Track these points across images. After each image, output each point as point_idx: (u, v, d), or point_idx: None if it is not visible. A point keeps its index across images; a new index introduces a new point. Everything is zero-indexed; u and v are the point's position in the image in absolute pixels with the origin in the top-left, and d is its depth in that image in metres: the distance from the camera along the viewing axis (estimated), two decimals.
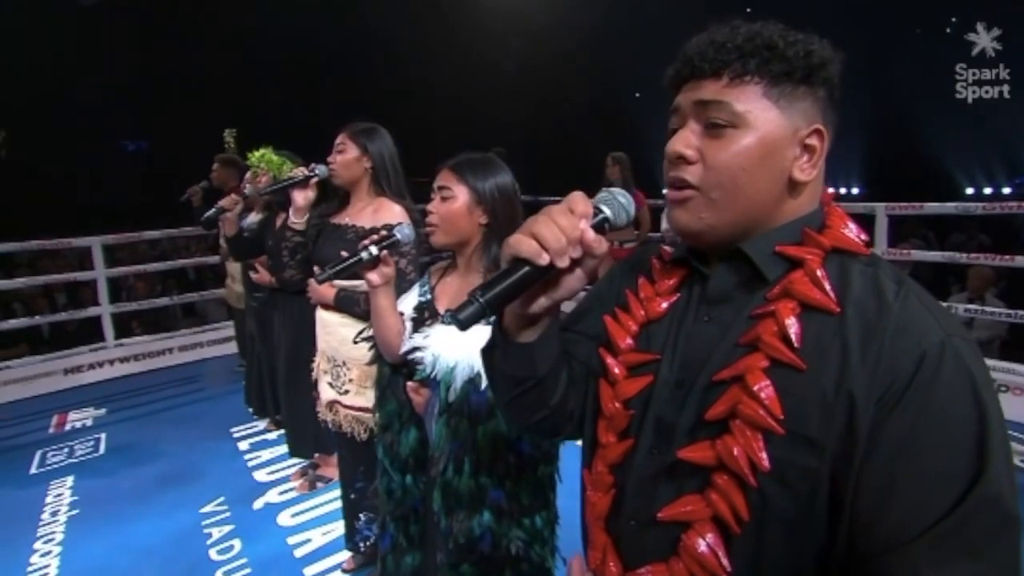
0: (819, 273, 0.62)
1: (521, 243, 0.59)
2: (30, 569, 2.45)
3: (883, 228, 3.73)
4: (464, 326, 0.58)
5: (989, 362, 3.55)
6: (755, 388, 0.60)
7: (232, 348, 4.67)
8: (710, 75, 0.65)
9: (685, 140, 0.66)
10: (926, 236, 6.40)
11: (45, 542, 2.64)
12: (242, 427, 3.67)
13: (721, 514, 0.61)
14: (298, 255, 2.04)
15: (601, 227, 0.64)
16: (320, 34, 9.77)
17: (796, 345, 0.60)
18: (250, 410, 3.64)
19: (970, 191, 9.41)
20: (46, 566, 2.46)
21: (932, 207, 3.81)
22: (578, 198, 0.62)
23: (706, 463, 0.62)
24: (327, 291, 1.88)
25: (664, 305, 0.73)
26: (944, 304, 3.64)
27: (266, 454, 3.34)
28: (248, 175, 2.75)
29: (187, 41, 9.36)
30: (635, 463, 0.69)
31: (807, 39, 0.65)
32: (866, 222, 4.16)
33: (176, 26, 9.23)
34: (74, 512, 2.87)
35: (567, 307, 0.75)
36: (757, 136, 0.63)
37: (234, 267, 3.69)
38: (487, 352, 0.75)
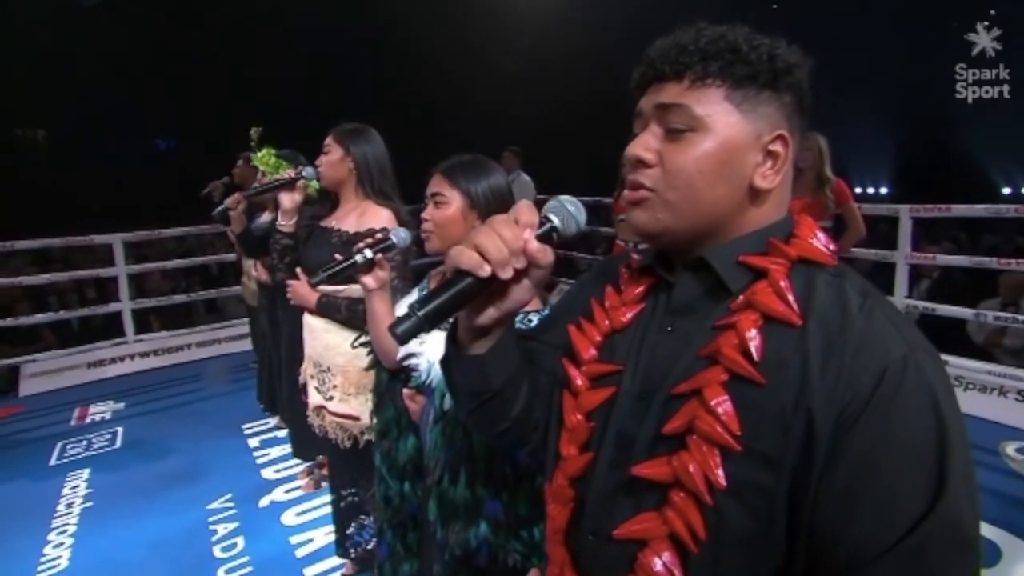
0: (783, 284, 0.60)
1: (461, 255, 0.59)
2: (43, 560, 2.51)
3: (906, 230, 3.60)
4: (402, 340, 0.57)
5: (1021, 372, 3.40)
6: (712, 403, 0.58)
7: (249, 344, 4.74)
8: (672, 77, 0.64)
9: (644, 143, 0.65)
10: (957, 239, 6.16)
11: (59, 533, 2.70)
12: (253, 424, 3.72)
13: (677, 532, 0.60)
14: (287, 257, 2.02)
15: (549, 237, 0.64)
16: (346, 35, 9.88)
17: (756, 358, 0.59)
18: (261, 407, 3.69)
19: (1007, 191, 9.05)
20: (58, 558, 2.52)
21: (960, 209, 3.65)
22: (523, 207, 0.62)
23: (662, 480, 0.61)
24: (310, 295, 1.86)
25: (629, 315, 0.71)
26: (974, 311, 3.58)
27: (275, 451, 3.37)
28: (258, 174, 2.77)
29: (219, 40, 9.55)
30: (595, 477, 0.68)
31: (773, 43, 0.64)
32: (889, 224, 4.03)
33: (208, 25, 9.42)
34: (88, 505, 2.94)
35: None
36: (717, 140, 0.62)
37: (249, 264, 3.74)
38: (444, 364, 0.74)
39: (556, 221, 0.64)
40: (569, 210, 0.65)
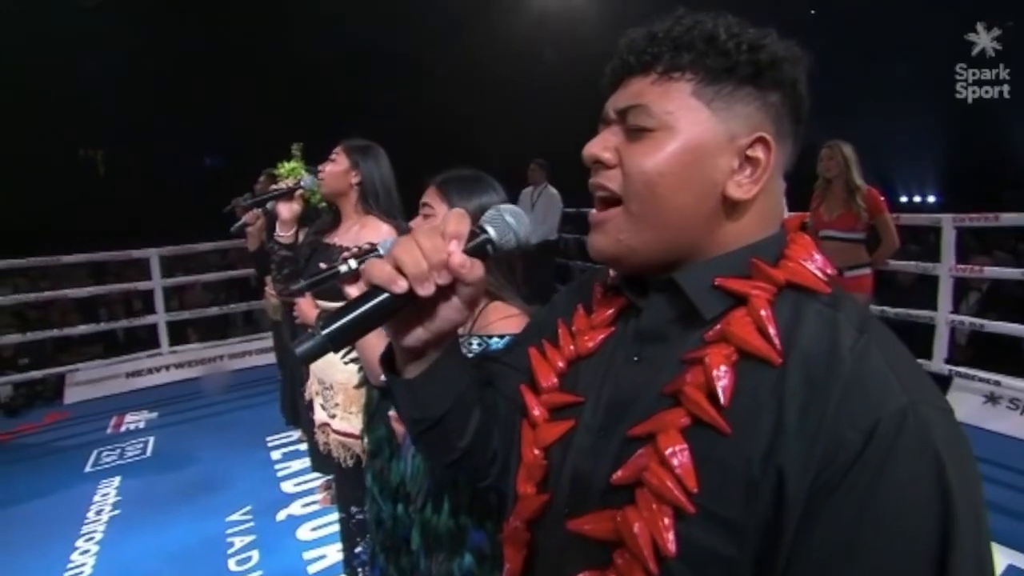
0: (763, 313, 0.52)
1: (374, 267, 0.52)
2: (70, 566, 2.58)
3: (950, 241, 3.39)
4: (303, 361, 0.52)
5: None
6: (667, 452, 0.51)
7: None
8: (639, 71, 0.57)
9: (603, 141, 0.59)
10: (1015, 248, 5.75)
11: (87, 540, 2.78)
12: (277, 436, 3.76)
13: None
14: (285, 269, 2.01)
15: (482, 250, 0.57)
16: (389, 57, 10.10)
17: (723, 402, 0.50)
18: (284, 420, 3.74)
19: None
20: (83, 564, 2.59)
21: (1009, 218, 3.41)
22: (452, 216, 0.55)
23: (604, 538, 0.54)
24: (310, 311, 1.86)
25: (596, 340, 0.64)
26: None
27: (296, 464, 3.41)
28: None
29: (265, 58, 9.91)
30: (547, 522, 0.61)
31: (759, 33, 0.56)
32: (937, 235, 3.81)
33: (255, 44, 9.79)
34: (116, 512, 3.02)
35: None
36: (681, 139, 0.54)
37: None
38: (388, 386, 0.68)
39: (492, 233, 0.57)
40: (508, 221, 0.58)
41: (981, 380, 3.43)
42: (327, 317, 0.52)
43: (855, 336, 0.49)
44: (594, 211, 0.60)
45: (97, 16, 7.96)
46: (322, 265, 1.35)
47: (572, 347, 0.66)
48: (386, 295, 0.52)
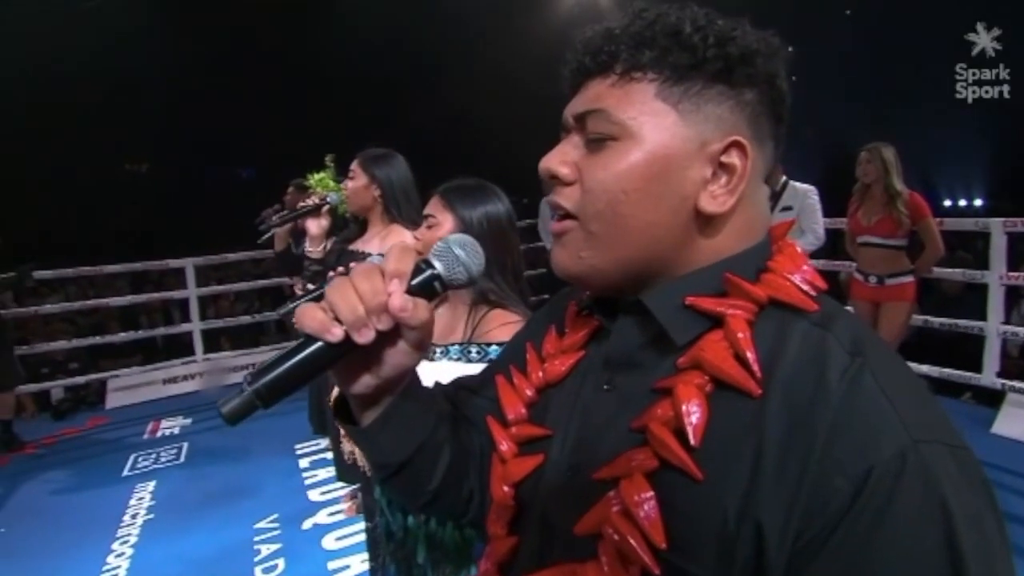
0: (740, 336, 0.46)
1: (305, 314, 0.47)
2: (105, 568, 2.65)
3: (1001, 248, 3.21)
4: (230, 421, 0.46)
5: None
6: (631, 501, 0.45)
7: None
8: (597, 73, 0.51)
9: (561, 154, 0.53)
10: None
11: (122, 543, 2.85)
12: (305, 444, 3.80)
13: None
14: (317, 283, 2.06)
15: (429, 287, 0.51)
16: (417, 67, 10.25)
17: (694, 442, 0.44)
18: (312, 428, 3.77)
19: None
20: (117, 568, 2.66)
21: None
22: (394, 252, 0.50)
23: None
24: None
25: (565, 366, 0.59)
26: None
27: (323, 473, 3.43)
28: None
29: (299, 71, 10.19)
30: (518, 567, 0.56)
31: (729, 25, 0.49)
32: (985, 242, 3.62)
33: (289, 57, 10.07)
34: (150, 517, 3.09)
35: None
36: (645, 149, 0.48)
37: (298, 287, 3.88)
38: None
39: (439, 267, 0.51)
40: (456, 254, 0.52)
41: None
42: (256, 371, 0.47)
43: (846, 360, 0.43)
44: (552, 223, 0.55)
45: (141, 35, 8.31)
46: (309, 286, 1.35)
47: (540, 373, 0.60)
48: (321, 344, 0.47)
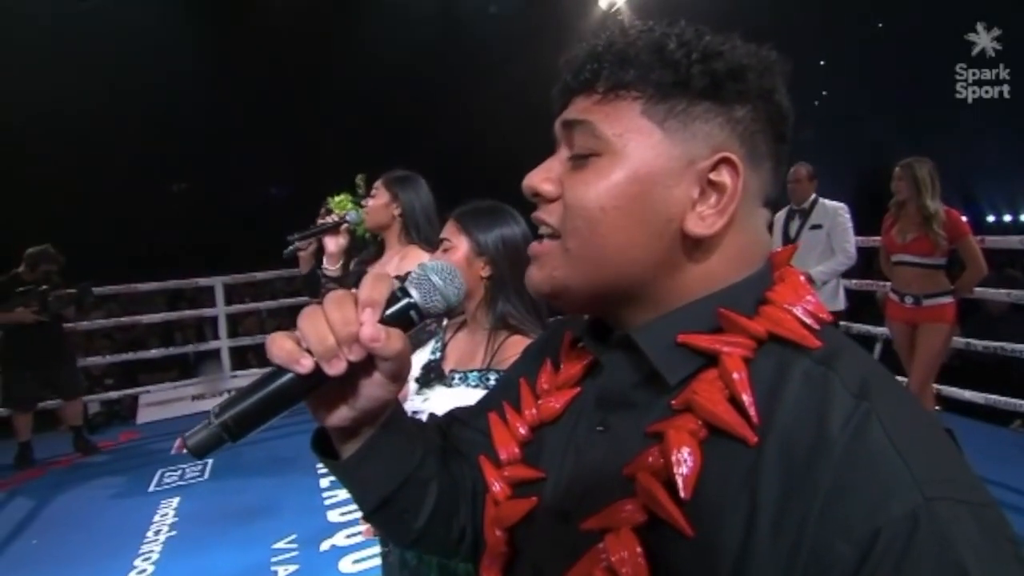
0: (736, 377, 0.42)
1: (274, 343, 0.45)
2: None
3: None
4: (197, 455, 0.45)
5: None
6: (615, 559, 0.42)
7: None
8: (580, 91, 0.50)
9: (546, 171, 0.51)
10: None
11: (144, 560, 2.88)
12: None
13: None
14: None
15: (405, 316, 0.49)
16: (446, 85, 10.44)
17: (684, 495, 0.41)
18: None
19: None
20: None
21: None
22: (369, 280, 0.48)
23: None
24: None
25: (560, 403, 0.56)
26: None
27: (343, 493, 3.41)
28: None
29: (330, 91, 10.48)
30: None
31: (716, 40, 0.47)
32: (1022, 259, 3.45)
33: (321, 77, 10.38)
34: (172, 534, 3.12)
35: None
36: (628, 167, 0.47)
37: None
38: None
39: (415, 296, 0.50)
40: (434, 282, 0.51)
41: None
42: (224, 403, 0.45)
43: (851, 405, 0.39)
44: (534, 243, 0.53)
45: (173, 55, 8.66)
46: None
47: (534, 411, 0.58)
48: (290, 375, 0.45)
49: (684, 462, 0.41)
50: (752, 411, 0.41)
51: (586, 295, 0.50)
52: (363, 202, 2.03)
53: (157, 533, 3.12)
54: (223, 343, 5.16)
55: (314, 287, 2.97)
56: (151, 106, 9.27)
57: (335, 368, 0.45)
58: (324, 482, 3.58)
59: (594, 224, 0.47)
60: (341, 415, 0.50)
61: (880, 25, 7.46)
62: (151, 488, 3.70)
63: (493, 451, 0.59)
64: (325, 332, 0.45)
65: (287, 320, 6.84)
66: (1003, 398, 3.42)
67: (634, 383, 0.49)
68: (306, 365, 0.45)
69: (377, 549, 2.76)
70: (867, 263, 3.86)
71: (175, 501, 3.48)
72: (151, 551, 2.95)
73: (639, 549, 0.42)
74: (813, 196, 3.47)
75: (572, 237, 0.49)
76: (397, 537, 0.61)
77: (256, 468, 3.81)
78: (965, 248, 2.87)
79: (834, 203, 3.21)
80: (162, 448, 4.36)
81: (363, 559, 2.77)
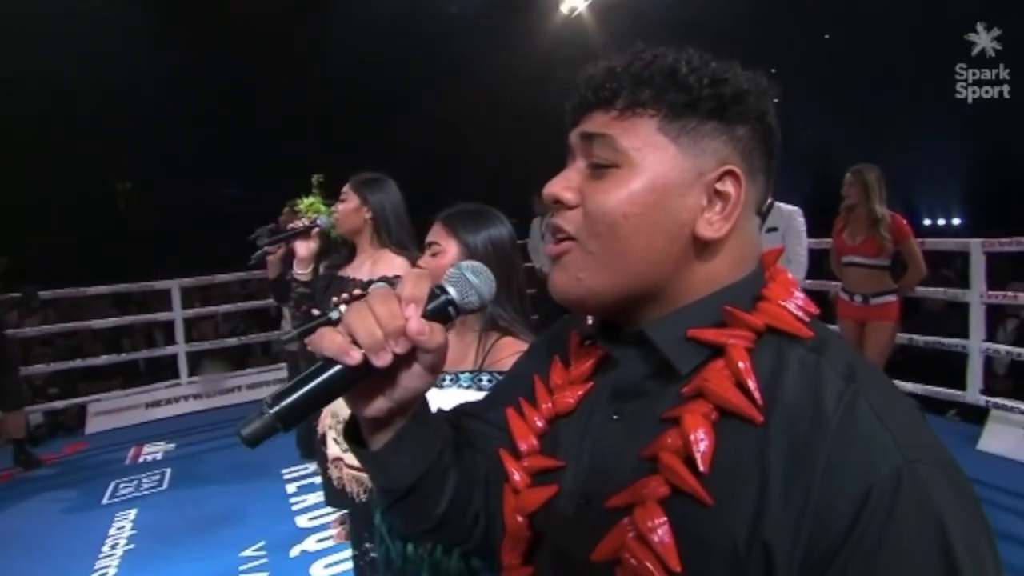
0: (741, 366, 0.48)
1: (324, 337, 0.49)
2: None
3: (980, 267, 3.29)
4: (250, 444, 0.48)
5: None
6: (645, 527, 0.47)
7: None
8: (599, 107, 0.55)
9: (565, 180, 0.56)
10: None
11: (100, 575, 2.76)
12: (293, 469, 3.73)
13: None
14: (303, 306, 2.03)
15: (444, 312, 0.53)
16: (405, 84, 10.33)
17: (703, 469, 0.46)
18: (299, 452, 3.71)
19: None
20: None
21: None
22: (409, 277, 0.52)
23: None
24: None
25: (574, 397, 0.60)
26: None
27: (311, 498, 3.36)
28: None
29: (286, 89, 10.20)
30: None
31: (721, 67, 0.53)
32: (964, 261, 3.70)
33: (276, 75, 10.09)
34: (130, 547, 3.00)
35: None
36: (646, 178, 0.52)
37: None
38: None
39: (452, 293, 0.54)
40: (470, 280, 0.55)
41: (1021, 412, 3.27)
42: (275, 394, 0.48)
43: (841, 387, 0.46)
44: (549, 245, 0.58)
45: (123, 52, 8.28)
46: (315, 312, 1.35)
47: (550, 404, 0.62)
48: (339, 367, 0.49)
49: (701, 441, 0.47)
50: (757, 395, 0.47)
51: (610, 297, 0.54)
52: (335, 207, 2.00)
53: (114, 547, 3.00)
54: (180, 348, 4.97)
55: (282, 292, 2.91)
56: (98, 101, 8.82)
57: (382, 360, 0.49)
58: (291, 487, 3.52)
59: (616, 229, 0.52)
60: (378, 406, 0.54)
61: (827, 36, 7.87)
62: (105, 500, 3.55)
63: (509, 443, 0.63)
64: (373, 326, 0.49)
65: (244, 324, 6.64)
66: (940, 388, 3.66)
67: (646, 375, 0.55)
68: (355, 357, 0.48)
69: (349, 552, 2.74)
70: (818, 264, 4.06)
71: (132, 513, 3.35)
72: (107, 566, 2.83)
73: (665, 519, 0.47)
74: (769, 200, 3.62)
75: (594, 241, 0.53)
76: (417, 524, 0.64)
77: (218, 476, 3.70)
78: (908, 249, 3.07)
79: (789, 207, 3.37)
80: (115, 458, 4.18)
81: (335, 563, 2.74)
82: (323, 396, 0.49)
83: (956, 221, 8.72)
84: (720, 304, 0.52)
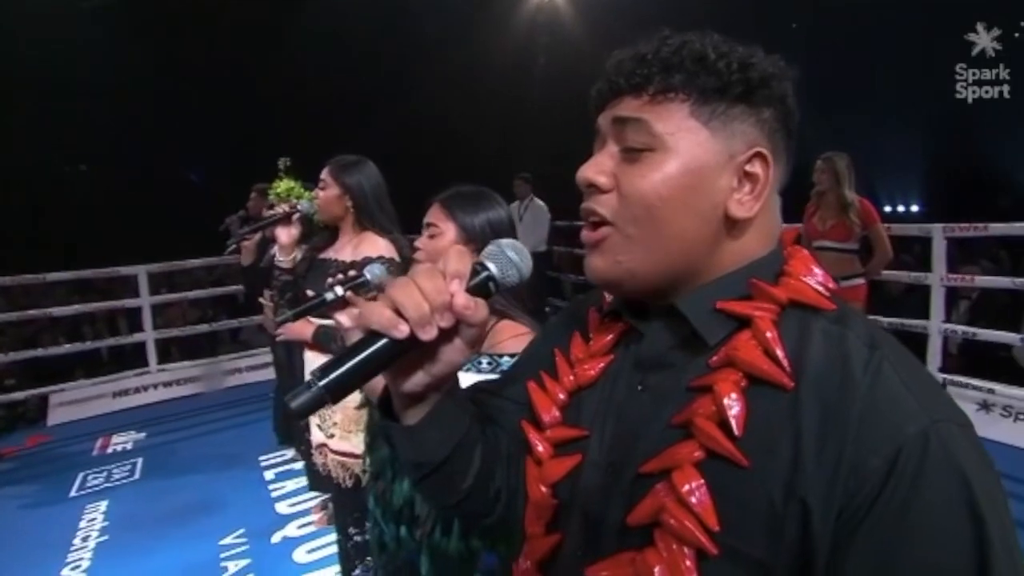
0: (769, 335, 0.50)
1: (372, 312, 0.50)
2: None
3: (941, 251, 3.44)
4: (298, 416, 0.49)
5: None
6: (683, 489, 0.48)
7: (271, 374, 4.76)
8: (630, 92, 0.55)
9: (598, 165, 0.57)
10: (996, 257, 5.83)
11: (72, 568, 2.69)
12: (270, 456, 3.69)
13: None
14: (287, 294, 1.98)
15: (484, 288, 0.54)
16: (375, 63, 10.11)
17: (737, 433, 0.48)
18: (277, 438, 3.66)
19: None
20: None
21: (999, 228, 3.47)
22: (453, 254, 0.53)
23: None
24: (304, 328, 1.83)
25: (596, 369, 0.62)
26: (1021, 335, 3.35)
27: (290, 484, 3.34)
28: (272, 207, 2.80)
29: (252, 71, 9.87)
30: (560, 564, 0.59)
31: (747, 52, 0.55)
32: (923, 244, 3.87)
33: (242, 57, 9.75)
34: (103, 539, 2.93)
35: None
36: (680, 161, 0.53)
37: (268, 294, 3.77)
38: (384, 431, 0.65)
39: (493, 269, 0.55)
40: (509, 256, 0.56)
41: (974, 388, 3.46)
42: (323, 367, 0.49)
43: (867, 354, 0.48)
44: (585, 231, 0.58)
45: (82, 30, 7.90)
46: (309, 292, 1.34)
47: (572, 377, 0.63)
48: (385, 341, 0.50)
49: (734, 406, 0.49)
50: (786, 362, 0.49)
51: (649, 277, 0.55)
52: (315, 192, 1.96)
53: (85, 539, 2.92)
54: (148, 335, 4.82)
55: (255, 279, 2.84)
56: (55, 80, 8.39)
57: (428, 333, 0.50)
58: (269, 474, 3.48)
59: (653, 212, 0.53)
60: (417, 380, 0.55)
61: (794, 25, 8.02)
62: (73, 492, 3.44)
63: (530, 416, 0.65)
64: (420, 300, 0.50)
65: (212, 310, 6.47)
66: None
67: (672, 347, 0.57)
68: (403, 331, 0.49)
69: (332, 537, 2.74)
70: None
71: (103, 504, 3.26)
72: (80, 559, 2.76)
73: (702, 481, 0.49)
74: None
75: (632, 225, 0.54)
76: (444, 497, 0.65)
77: (193, 465, 3.64)
78: (875, 234, 3.19)
79: None
80: (82, 450, 4.06)
81: (318, 548, 2.73)
82: (368, 369, 0.50)
83: (915, 208, 9.09)
84: (745, 279, 0.54)
